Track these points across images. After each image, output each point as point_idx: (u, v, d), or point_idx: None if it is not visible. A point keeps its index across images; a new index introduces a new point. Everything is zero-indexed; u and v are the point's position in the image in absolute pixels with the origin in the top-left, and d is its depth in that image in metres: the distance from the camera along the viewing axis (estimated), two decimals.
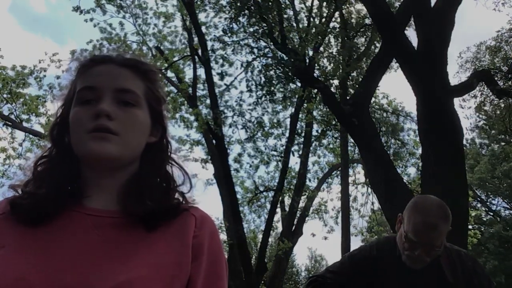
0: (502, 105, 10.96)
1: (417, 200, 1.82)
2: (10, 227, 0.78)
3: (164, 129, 0.92)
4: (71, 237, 0.76)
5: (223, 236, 9.39)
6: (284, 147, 10.83)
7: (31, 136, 10.52)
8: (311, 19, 10.59)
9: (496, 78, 8.42)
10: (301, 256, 45.78)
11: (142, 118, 0.86)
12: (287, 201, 11.34)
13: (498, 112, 11.59)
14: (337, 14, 10.26)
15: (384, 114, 11.98)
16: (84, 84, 0.85)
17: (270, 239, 13.80)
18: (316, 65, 9.94)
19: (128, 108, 0.84)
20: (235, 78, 10.52)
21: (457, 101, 10.17)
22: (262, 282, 10.41)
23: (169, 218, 0.82)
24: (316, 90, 9.29)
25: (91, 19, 9.68)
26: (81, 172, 0.85)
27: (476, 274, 1.78)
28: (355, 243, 18.26)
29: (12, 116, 10.46)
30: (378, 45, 9.77)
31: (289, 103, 10.79)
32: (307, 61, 9.12)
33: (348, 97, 8.82)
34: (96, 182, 0.84)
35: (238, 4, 8.93)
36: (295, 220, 10.86)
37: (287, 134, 10.89)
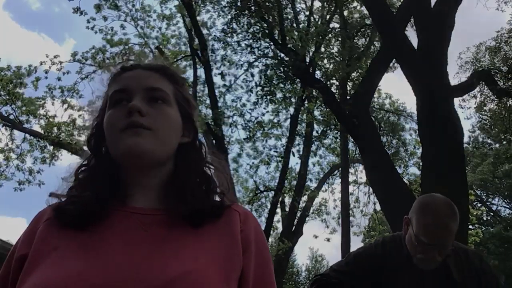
0: (502, 106, 10.96)
1: (424, 201, 1.78)
2: (58, 230, 0.80)
3: (196, 131, 0.94)
4: (119, 235, 0.78)
5: None
6: (284, 147, 10.84)
7: (30, 137, 10.52)
8: (312, 19, 10.59)
9: (496, 78, 8.43)
10: (302, 257, 45.77)
11: (172, 115, 0.88)
12: (287, 201, 11.35)
13: (498, 111, 11.60)
14: (337, 14, 10.28)
15: (384, 114, 11.99)
16: (115, 88, 0.89)
17: (270, 239, 13.80)
18: (316, 65, 9.95)
19: (159, 105, 0.87)
20: (237, 78, 10.54)
21: (457, 101, 10.18)
22: None
23: (214, 216, 0.84)
24: (316, 90, 9.29)
25: (93, 27, 9.70)
26: (121, 176, 0.87)
27: (484, 273, 1.76)
28: (356, 243, 18.24)
29: (11, 117, 10.46)
30: (378, 45, 9.78)
31: (289, 103, 10.80)
32: (307, 61, 9.12)
33: (348, 97, 8.83)
34: (137, 182, 0.86)
35: (239, 4, 8.94)
36: (295, 220, 10.86)
37: (287, 134, 10.89)
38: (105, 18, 9.70)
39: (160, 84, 0.89)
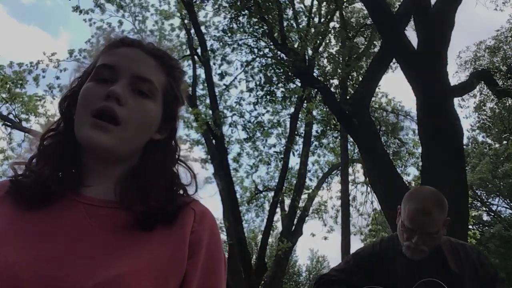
0: (501, 105, 10.97)
1: (412, 190, 1.89)
2: (5, 211, 0.77)
3: (174, 130, 0.89)
4: (64, 226, 0.74)
5: (223, 236, 9.37)
6: (284, 147, 10.83)
7: (30, 136, 10.48)
8: (311, 19, 10.59)
9: (495, 78, 8.43)
10: (303, 257, 45.73)
11: (152, 111, 0.82)
12: (287, 201, 11.35)
13: (497, 111, 11.60)
14: (337, 14, 10.27)
15: (384, 114, 11.99)
16: (104, 62, 0.83)
17: (270, 239, 13.79)
18: (316, 65, 9.94)
19: (141, 98, 0.81)
20: (235, 78, 10.54)
21: (456, 101, 10.16)
22: (262, 282, 10.41)
23: (169, 220, 0.78)
24: (316, 90, 9.29)
25: (90, 19, 9.65)
26: (80, 156, 0.83)
27: (482, 265, 1.79)
28: (355, 243, 18.22)
29: (11, 116, 10.45)
30: (378, 45, 9.78)
31: (289, 103, 10.79)
32: (307, 61, 9.11)
33: (348, 97, 8.82)
34: (93, 168, 0.82)
35: (238, 4, 8.93)
36: (295, 220, 10.86)
37: (287, 134, 10.89)
38: (102, 11, 9.62)
39: (152, 75, 0.83)
